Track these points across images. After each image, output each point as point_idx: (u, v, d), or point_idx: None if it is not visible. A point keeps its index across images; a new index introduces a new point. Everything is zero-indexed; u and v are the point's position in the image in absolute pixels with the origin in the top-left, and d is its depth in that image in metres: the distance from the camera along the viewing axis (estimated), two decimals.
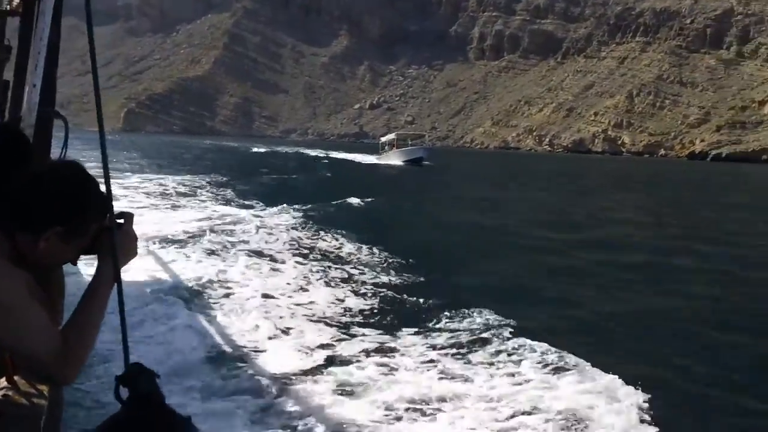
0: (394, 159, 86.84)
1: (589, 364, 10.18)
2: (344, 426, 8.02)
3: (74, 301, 2.49)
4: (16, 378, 3.03)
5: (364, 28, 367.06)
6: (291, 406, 8.46)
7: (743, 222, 34.50)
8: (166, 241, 19.16)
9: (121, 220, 2.59)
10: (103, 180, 2.55)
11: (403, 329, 11.92)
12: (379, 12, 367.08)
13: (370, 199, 35.67)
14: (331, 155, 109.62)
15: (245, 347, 10.58)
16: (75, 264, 2.62)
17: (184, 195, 34.12)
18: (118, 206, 2.42)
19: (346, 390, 9.02)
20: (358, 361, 10.17)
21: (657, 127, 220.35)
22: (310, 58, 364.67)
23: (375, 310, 13.32)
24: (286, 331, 11.50)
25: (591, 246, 24.73)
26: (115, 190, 29.24)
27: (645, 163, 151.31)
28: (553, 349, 10.80)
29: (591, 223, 32.59)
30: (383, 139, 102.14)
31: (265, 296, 13.64)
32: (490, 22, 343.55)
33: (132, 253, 2.62)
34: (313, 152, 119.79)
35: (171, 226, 22.21)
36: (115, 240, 2.50)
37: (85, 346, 2.40)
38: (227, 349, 10.57)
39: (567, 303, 15.55)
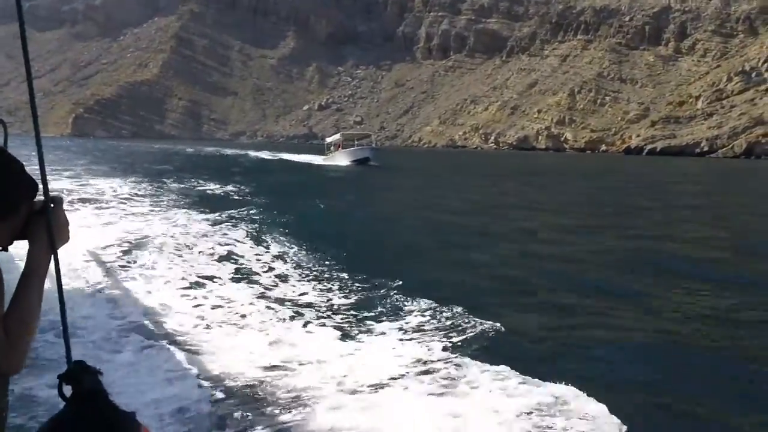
0: (340, 160, 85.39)
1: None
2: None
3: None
4: None
5: (311, 29, 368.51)
6: (245, 410, 8.23)
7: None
8: (106, 247, 18.63)
9: (51, 205, 2.52)
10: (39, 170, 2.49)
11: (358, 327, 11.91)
12: (325, 13, 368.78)
13: (314, 201, 35.60)
14: (279, 156, 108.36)
15: (194, 344, 10.44)
16: (6, 250, 2.54)
17: (125, 201, 33.19)
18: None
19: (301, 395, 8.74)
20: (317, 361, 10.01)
21: (598, 123, 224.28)
22: (258, 60, 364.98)
23: (336, 310, 13.26)
24: (242, 327, 11.54)
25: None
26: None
27: (571, 158, 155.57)
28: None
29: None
30: (329, 139, 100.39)
31: (217, 298, 13.67)
32: (437, 21, 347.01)
33: (64, 237, 2.55)
34: (262, 154, 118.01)
35: (108, 235, 21.31)
36: (50, 222, 2.46)
37: (27, 333, 2.36)
38: (172, 345, 10.43)
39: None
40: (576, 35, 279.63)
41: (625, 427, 8.10)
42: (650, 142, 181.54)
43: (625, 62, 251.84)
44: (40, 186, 2.57)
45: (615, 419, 8.23)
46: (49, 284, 2.44)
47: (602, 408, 8.42)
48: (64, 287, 2.45)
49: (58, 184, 36.46)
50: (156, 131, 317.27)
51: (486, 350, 10.76)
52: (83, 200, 31.98)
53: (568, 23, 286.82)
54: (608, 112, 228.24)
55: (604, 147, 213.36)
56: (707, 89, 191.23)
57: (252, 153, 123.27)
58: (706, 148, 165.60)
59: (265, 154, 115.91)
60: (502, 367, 9.81)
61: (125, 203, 32.03)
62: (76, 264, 14.98)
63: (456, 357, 10.36)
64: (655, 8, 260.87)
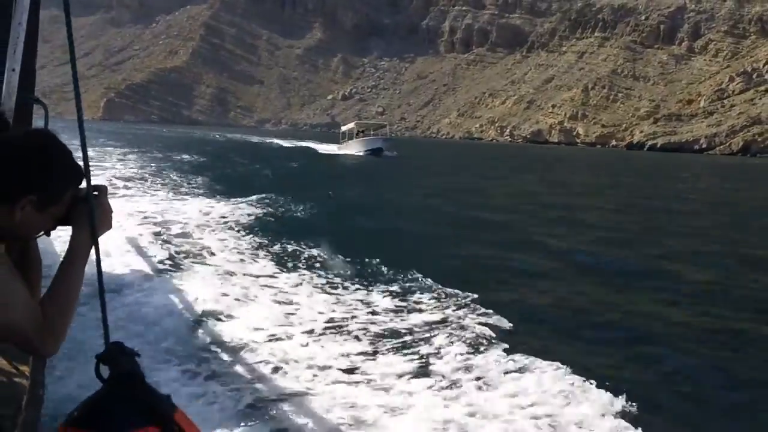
0: (353, 149, 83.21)
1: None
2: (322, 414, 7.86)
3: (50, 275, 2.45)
4: None
5: (337, 21, 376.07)
6: (271, 395, 8.30)
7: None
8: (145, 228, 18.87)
9: (95, 193, 2.53)
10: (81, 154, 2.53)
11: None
12: (352, 5, 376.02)
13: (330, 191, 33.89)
14: (297, 144, 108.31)
15: (226, 338, 10.37)
16: (49, 235, 2.58)
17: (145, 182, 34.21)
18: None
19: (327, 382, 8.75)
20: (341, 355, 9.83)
21: (609, 119, 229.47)
22: (285, 50, 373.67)
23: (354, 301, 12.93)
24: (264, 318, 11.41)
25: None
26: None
27: (571, 151, 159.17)
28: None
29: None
30: (343, 128, 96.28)
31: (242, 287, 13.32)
32: (461, 15, 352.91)
33: (107, 225, 2.57)
34: (284, 142, 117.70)
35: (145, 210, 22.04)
36: (92, 209, 2.47)
37: (65, 317, 2.40)
38: (207, 333, 10.53)
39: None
40: (593, 32, 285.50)
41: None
42: (651, 138, 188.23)
43: (639, 60, 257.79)
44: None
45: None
46: (89, 268, 2.45)
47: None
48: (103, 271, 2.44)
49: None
50: (184, 117, 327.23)
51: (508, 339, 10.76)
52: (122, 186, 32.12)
53: (587, 20, 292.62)
54: (620, 109, 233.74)
55: (614, 142, 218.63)
56: (714, 88, 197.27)
57: (275, 141, 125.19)
58: (704, 145, 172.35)
59: (286, 142, 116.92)
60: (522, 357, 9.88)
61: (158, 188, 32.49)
62: (114, 248, 15.03)
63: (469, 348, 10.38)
64: (670, 8, 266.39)
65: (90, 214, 2.48)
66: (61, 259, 2.48)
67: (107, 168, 41.39)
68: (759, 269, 19.49)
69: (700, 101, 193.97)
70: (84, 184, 2.55)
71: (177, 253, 16.13)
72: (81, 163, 2.55)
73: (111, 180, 33.23)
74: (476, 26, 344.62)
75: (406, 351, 10.16)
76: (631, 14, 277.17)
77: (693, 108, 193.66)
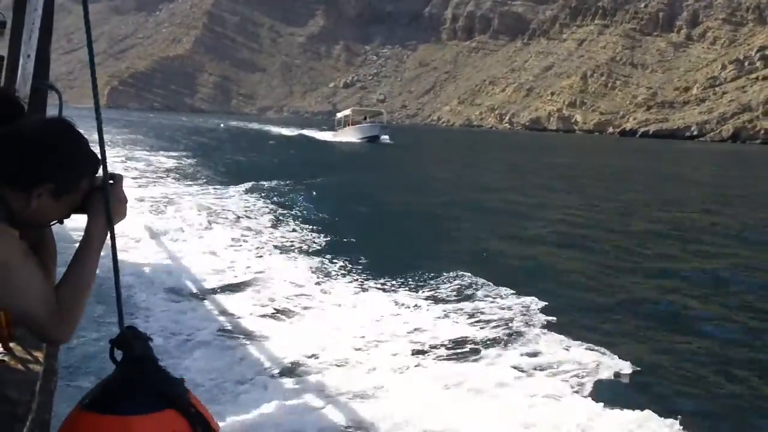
0: (349, 136, 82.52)
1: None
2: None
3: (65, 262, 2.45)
4: (12, 345, 3.10)
5: (340, 8, 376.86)
6: (288, 383, 8.13)
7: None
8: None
9: (111, 182, 2.54)
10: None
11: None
12: None
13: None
14: (296, 132, 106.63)
15: (236, 324, 10.24)
16: (62, 223, 2.60)
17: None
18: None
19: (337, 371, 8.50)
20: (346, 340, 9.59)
21: (607, 106, 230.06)
22: (287, 38, 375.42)
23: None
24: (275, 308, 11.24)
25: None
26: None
27: (561, 138, 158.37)
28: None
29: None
30: (339, 115, 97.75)
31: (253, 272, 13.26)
32: (463, 3, 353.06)
33: (121, 214, 2.58)
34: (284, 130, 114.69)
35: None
36: (108, 197, 2.47)
37: (79, 304, 2.41)
38: (217, 319, 10.46)
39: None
40: (594, 20, 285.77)
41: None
42: (644, 125, 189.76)
43: (638, 48, 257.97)
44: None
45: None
46: (104, 254, 2.47)
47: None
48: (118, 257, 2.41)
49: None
50: (186, 105, 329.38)
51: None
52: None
53: (587, 8, 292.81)
54: (618, 96, 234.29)
55: (611, 129, 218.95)
56: (708, 76, 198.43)
57: (273, 128, 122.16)
58: (695, 132, 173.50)
59: (286, 130, 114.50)
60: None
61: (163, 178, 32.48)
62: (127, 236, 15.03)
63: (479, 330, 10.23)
64: None
65: (105, 203, 2.48)
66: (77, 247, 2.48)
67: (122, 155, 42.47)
68: None
69: (694, 89, 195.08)
70: (100, 173, 2.56)
71: (181, 241, 16.02)
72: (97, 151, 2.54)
73: (124, 163, 34.44)
74: (478, 14, 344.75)
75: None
76: (631, 2, 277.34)
77: (687, 95, 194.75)
